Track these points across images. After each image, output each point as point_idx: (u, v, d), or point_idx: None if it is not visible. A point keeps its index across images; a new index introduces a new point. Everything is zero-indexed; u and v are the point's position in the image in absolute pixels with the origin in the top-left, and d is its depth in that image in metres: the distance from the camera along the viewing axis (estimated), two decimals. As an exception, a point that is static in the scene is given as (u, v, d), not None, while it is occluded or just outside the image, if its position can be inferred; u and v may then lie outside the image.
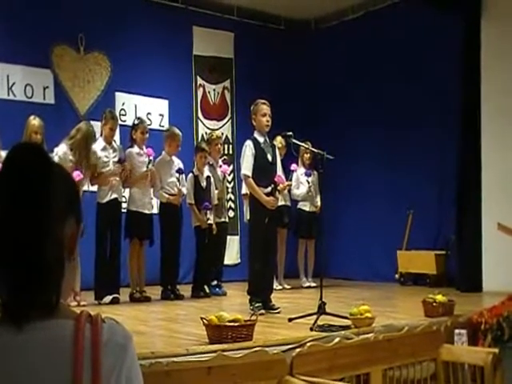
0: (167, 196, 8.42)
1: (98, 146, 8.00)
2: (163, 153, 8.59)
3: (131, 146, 8.32)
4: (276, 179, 7.04)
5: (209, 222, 8.69)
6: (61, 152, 7.52)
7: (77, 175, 7.15)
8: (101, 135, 8.12)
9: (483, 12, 9.05)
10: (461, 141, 9.10)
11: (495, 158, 8.81)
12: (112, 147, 8.06)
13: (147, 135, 8.34)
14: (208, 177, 8.83)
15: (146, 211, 8.26)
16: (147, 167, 8.24)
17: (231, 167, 10.50)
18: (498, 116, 8.83)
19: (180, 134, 8.65)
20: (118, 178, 7.96)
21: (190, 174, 8.73)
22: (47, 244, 1.34)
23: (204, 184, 8.75)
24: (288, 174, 9.56)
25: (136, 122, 8.51)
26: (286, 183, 8.94)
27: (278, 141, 8.55)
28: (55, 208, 1.37)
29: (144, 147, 8.32)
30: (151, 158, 8.29)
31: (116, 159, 8.01)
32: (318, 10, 11.53)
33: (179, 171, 8.49)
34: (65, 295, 1.42)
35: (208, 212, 8.67)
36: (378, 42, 10.72)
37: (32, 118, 7.55)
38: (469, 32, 9.10)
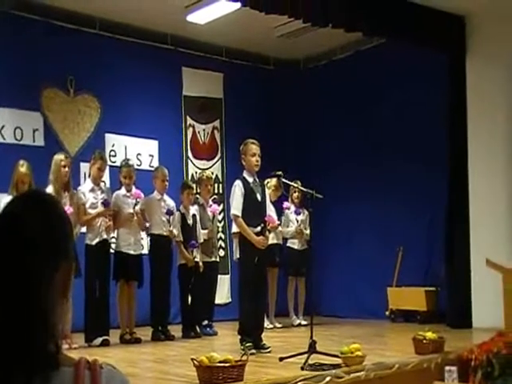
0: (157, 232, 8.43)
1: (85, 187, 8.00)
2: (155, 192, 8.61)
3: (119, 188, 8.32)
4: (266, 219, 7.08)
5: (195, 259, 8.69)
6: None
7: (67, 209, 7.07)
8: (89, 176, 8.13)
9: (468, 52, 9.21)
10: (449, 178, 9.19)
11: (483, 196, 8.90)
12: (100, 188, 8.02)
13: (132, 179, 8.25)
14: (194, 215, 8.84)
15: (132, 252, 8.17)
16: (133, 209, 8.20)
17: (221, 206, 10.52)
18: (485, 154, 8.93)
19: (164, 169, 8.68)
20: (107, 220, 7.89)
21: (177, 212, 8.73)
22: (39, 295, 1.34)
23: (190, 222, 8.76)
24: (280, 212, 9.58)
25: (121, 163, 8.53)
26: (276, 223, 8.85)
27: (273, 183, 8.58)
28: (48, 254, 1.38)
29: (133, 188, 8.30)
30: (138, 200, 8.24)
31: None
32: (306, 50, 11.63)
33: (168, 213, 8.46)
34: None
35: (194, 250, 8.67)
36: (366, 81, 10.84)
37: (20, 164, 7.32)
38: (454, 72, 9.25)
